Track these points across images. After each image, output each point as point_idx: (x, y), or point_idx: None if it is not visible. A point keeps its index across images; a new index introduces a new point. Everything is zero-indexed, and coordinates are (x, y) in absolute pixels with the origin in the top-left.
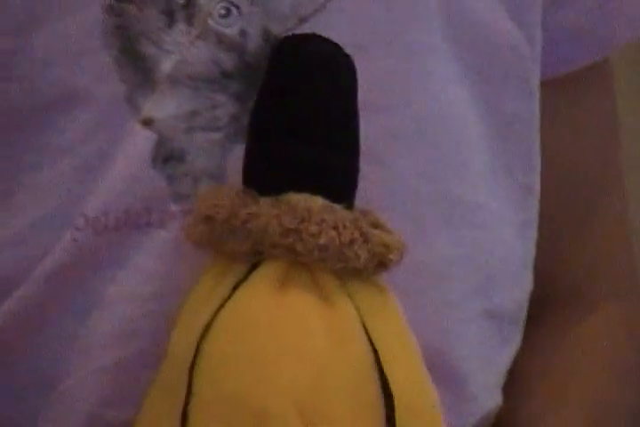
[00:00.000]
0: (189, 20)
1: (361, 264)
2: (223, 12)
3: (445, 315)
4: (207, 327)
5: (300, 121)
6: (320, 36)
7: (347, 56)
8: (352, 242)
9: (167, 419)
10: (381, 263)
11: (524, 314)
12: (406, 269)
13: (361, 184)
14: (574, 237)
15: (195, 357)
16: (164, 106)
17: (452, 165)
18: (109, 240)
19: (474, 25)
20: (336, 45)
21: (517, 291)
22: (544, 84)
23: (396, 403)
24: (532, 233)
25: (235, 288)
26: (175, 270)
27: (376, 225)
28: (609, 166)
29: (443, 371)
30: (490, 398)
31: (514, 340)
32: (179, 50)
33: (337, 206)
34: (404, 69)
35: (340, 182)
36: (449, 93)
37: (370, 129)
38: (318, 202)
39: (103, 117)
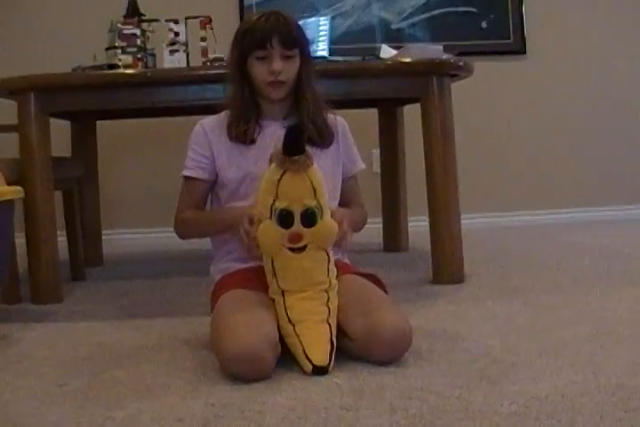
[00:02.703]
0: None
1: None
2: None
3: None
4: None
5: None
6: (299, 127)
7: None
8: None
9: (269, 201)
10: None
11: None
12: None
13: None
14: (348, 198)
15: (277, 183)
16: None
17: (333, 194)
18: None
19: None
20: (302, 132)
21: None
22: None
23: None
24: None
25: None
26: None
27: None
28: (358, 193)
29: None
30: None
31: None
32: None
33: (303, 156)
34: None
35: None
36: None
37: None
38: (304, 158)
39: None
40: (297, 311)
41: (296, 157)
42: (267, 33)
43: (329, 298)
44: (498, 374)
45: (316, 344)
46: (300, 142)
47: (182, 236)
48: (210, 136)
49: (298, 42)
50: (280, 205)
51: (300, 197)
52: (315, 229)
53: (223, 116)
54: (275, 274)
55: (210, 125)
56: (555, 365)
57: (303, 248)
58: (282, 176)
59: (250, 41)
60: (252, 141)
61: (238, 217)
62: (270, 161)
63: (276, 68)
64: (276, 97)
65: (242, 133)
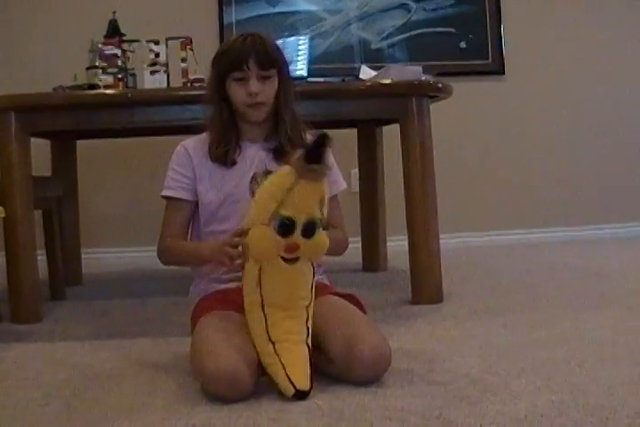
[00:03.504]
0: None
1: None
2: None
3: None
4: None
5: None
6: (328, 137)
7: None
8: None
9: (271, 206)
10: None
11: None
12: None
13: None
14: (332, 220)
15: (287, 191)
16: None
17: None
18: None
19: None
20: (329, 143)
21: None
22: None
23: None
24: None
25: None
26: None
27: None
28: (339, 215)
29: None
30: None
31: None
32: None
33: (323, 166)
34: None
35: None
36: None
37: None
38: (323, 167)
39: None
40: (278, 330)
41: (316, 165)
42: (243, 54)
43: (308, 317)
44: (477, 394)
45: (298, 366)
46: (324, 152)
47: (165, 263)
48: (192, 157)
49: (274, 62)
50: (285, 212)
51: (308, 206)
52: (312, 240)
53: (204, 137)
54: (260, 283)
55: (192, 146)
56: (533, 385)
57: (296, 259)
58: (295, 184)
59: (226, 62)
60: (233, 163)
61: (215, 248)
62: (286, 164)
63: (253, 90)
64: (256, 119)
65: (222, 155)
